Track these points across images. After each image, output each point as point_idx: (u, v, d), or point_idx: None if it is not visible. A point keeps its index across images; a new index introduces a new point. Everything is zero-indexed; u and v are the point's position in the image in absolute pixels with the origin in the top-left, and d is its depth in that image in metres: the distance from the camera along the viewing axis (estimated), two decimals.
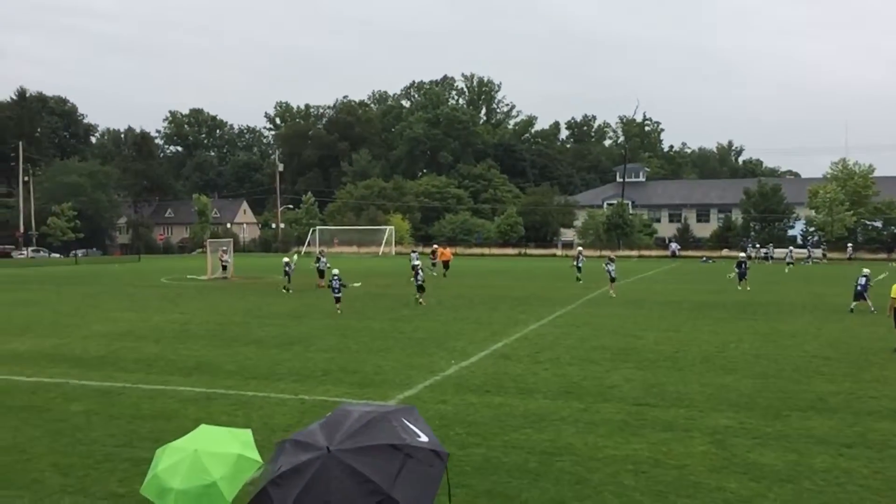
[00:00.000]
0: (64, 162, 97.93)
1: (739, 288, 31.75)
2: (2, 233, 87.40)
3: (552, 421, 10.77)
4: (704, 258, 61.04)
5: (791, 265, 51.11)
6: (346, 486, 4.42)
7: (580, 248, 37.71)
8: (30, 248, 77.55)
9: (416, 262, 27.21)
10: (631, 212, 77.71)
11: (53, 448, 9.71)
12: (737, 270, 33.04)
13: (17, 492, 8.18)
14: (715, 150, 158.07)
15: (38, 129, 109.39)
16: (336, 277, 23.99)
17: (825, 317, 22.88)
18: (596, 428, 10.38)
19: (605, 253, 33.37)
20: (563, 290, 31.47)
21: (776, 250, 59.12)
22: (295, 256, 35.09)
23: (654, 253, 70.28)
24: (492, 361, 15.24)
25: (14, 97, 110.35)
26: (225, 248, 39.04)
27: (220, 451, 5.18)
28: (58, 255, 76.59)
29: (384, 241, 66.13)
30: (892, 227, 69.05)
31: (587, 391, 12.55)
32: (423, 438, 5.04)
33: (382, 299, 28.55)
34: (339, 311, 23.30)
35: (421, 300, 25.58)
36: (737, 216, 79.73)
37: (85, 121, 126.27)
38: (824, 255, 60.93)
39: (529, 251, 74.06)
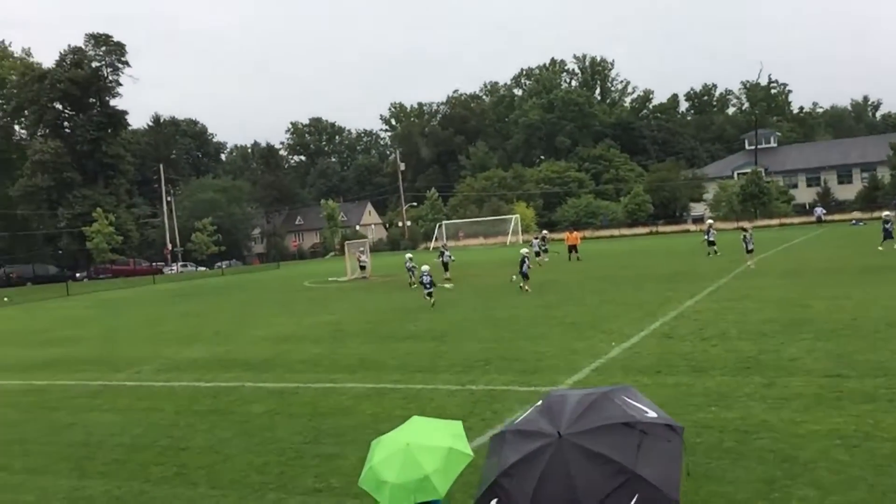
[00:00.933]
0: (200, 180, 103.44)
1: (881, 248, 30.48)
2: (151, 251, 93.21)
3: (737, 398, 10.26)
4: (855, 221, 57.26)
5: None
6: (587, 469, 4.27)
7: (710, 222, 36.09)
8: (178, 264, 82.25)
9: (524, 251, 27.09)
10: (766, 179, 73.97)
11: (246, 448, 10.09)
12: (884, 227, 31.99)
13: (223, 490, 8.53)
14: (849, 106, 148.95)
15: (174, 152, 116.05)
16: (426, 274, 24.71)
17: None
18: (788, 403, 9.81)
19: (742, 224, 31.91)
20: (708, 266, 30.25)
21: None
22: (409, 254, 35.37)
23: (796, 220, 66.59)
24: (654, 341, 14.76)
25: (151, 123, 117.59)
26: (362, 248, 40.05)
27: (431, 444, 5.15)
28: (203, 268, 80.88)
29: (510, 231, 65.95)
30: None
31: (767, 366, 11.91)
32: (652, 414, 4.85)
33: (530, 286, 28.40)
34: (432, 304, 23.84)
35: (526, 287, 25.64)
36: (883, 174, 74.54)
37: (215, 140, 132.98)
38: None
39: (660, 229, 71.87)
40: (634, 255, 42.38)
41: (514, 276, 26.47)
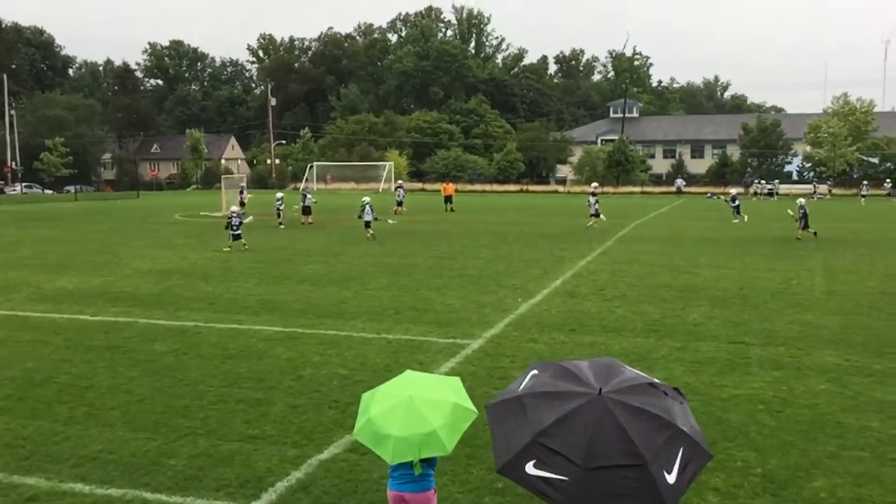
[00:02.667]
0: (47, 95, 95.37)
1: (736, 221, 33.72)
2: None
3: (656, 360, 10.67)
4: (710, 194, 60.96)
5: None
6: (636, 423, 4.30)
7: (595, 185, 37.63)
8: (21, 185, 75.96)
9: (366, 199, 27.84)
10: (630, 148, 77.28)
11: (160, 389, 9.50)
12: (731, 205, 35.82)
13: (147, 434, 7.97)
14: (702, 85, 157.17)
15: (15, 62, 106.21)
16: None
17: (871, 252, 22.88)
18: (704, 367, 10.29)
19: (593, 188, 33.95)
20: (594, 228, 31.41)
21: (781, 186, 59.39)
22: (280, 193, 34.95)
23: (656, 189, 70.15)
24: (560, 300, 15.10)
25: None
26: (243, 184, 38.60)
27: (435, 398, 4.99)
28: (50, 192, 75.15)
29: (384, 178, 65.42)
30: (888, 164, 69.30)
31: (674, 329, 12.46)
32: (656, 380, 4.96)
33: (411, 235, 28.41)
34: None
35: (370, 233, 26.40)
36: (732, 152, 79.65)
37: (62, 52, 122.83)
38: (829, 192, 61.15)
39: (530, 188, 73.54)
40: (514, 212, 43.20)
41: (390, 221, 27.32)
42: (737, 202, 35.61)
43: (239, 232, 23.47)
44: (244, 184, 39.12)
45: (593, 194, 31.88)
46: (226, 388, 9.54)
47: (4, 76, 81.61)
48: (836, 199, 60.14)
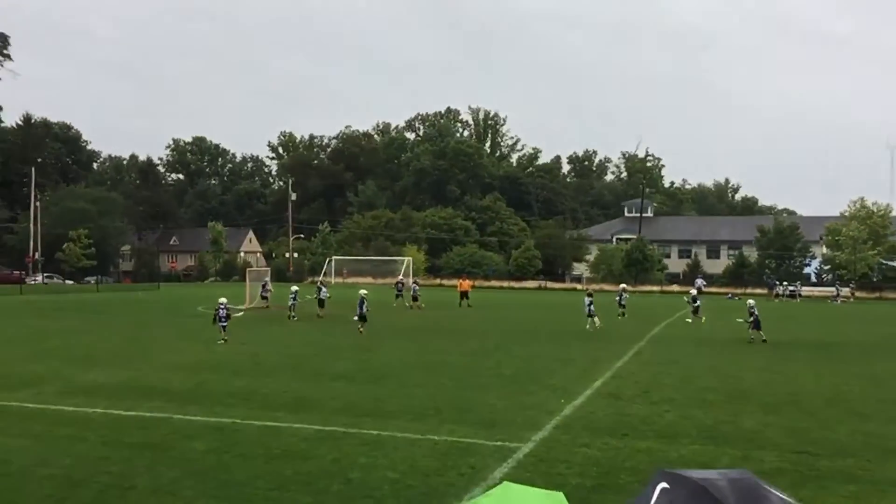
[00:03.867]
0: (71, 188, 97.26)
1: (689, 321, 33.42)
2: (6, 259, 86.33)
3: (720, 469, 10.16)
4: (730, 295, 60.70)
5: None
6: None
7: (624, 286, 37.71)
8: (42, 275, 76.45)
9: (363, 292, 28.71)
10: (648, 247, 77.58)
11: (205, 492, 9.04)
12: (691, 305, 34.75)
13: None
14: (712, 186, 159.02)
15: (43, 156, 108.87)
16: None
17: None
18: (774, 479, 9.64)
19: (623, 286, 34.42)
20: (620, 326, 31.02)
21: (803, 288, 59.23)
22: (294, 287, 35.21)
23: (675, 288, 69.85)
24: (604, 402, 14.64)
25: (20, 122, 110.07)
26: (267, 278, 38.82)
27: None
28: (71, 282, 75.55)
29: (402, 272, 65.44)
30: None
31: (731, 436, 11.96)
32: None
33: (439, 332, 28.18)
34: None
35: (361, 329, 26.60)
36: (749, 253, 79.66)
37: (88, 147, 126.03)
38: (853, 294, 60.74)
39: (549, 285, 73.39)
40: (538, 309, 42.99)
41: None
42: (697, 302, 34.78)
43: (225, 324, 23.64)
44: (268, 277, 39.33)
45: (590, 294, 31.39)
46: (273, 492, 9.09)
47: (32, 170, 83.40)
48: (860, 301, 59.66)
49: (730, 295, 60.48)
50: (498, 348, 22.91)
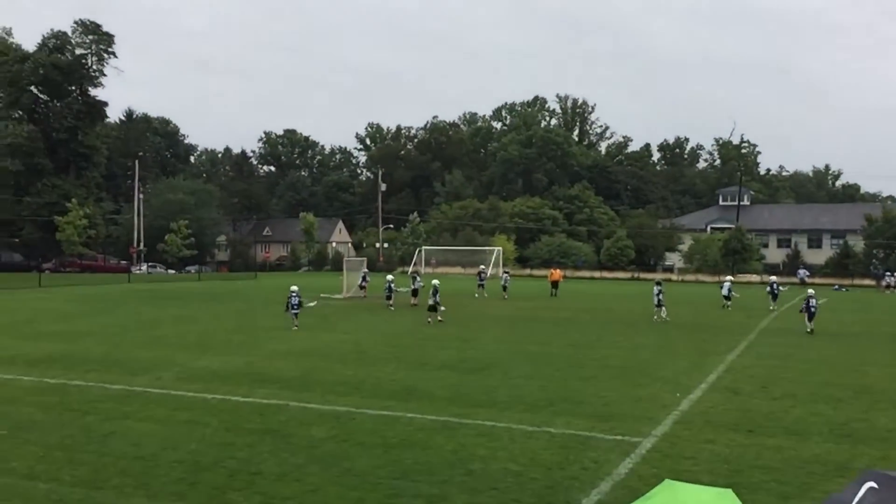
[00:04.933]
0: (170, 180, 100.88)
1: (772, 308, 33.50)
2: (113, 249, 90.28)
3: (859, 470, 9.59)
4: (837, 286, 58.07)
5: None
6: None
7: (730, 278, 37.11)
8: (146, 264, 79.69)
9: (390, 277, 29.97)
10: (747, 237, 74.99)
11: (329, 479, 9.11)
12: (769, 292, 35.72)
13: None
14: (811, 173, 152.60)
15: (144, 149, 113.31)
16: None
17: None
18: None
19: (727, 277, 33.98)
20: (724, 318, 30.17)
21: None
22: (390, 276, 35.25)
23: (780, 279, 67.12)
24: (722, 396, 14.12)
25: (123, 118, 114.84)
26: (366, 269, 39.43)
27: None
28: (172, 272, 78.47)
29: (492, 262, 65.33)
30: None
31: (866, 435, 11.33)
32: None
33: (537, 322, 27.99)
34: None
35: (429, 319, 26.28)
36: (854, 242, 76.03)
37: (186, 141, 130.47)
38: None
39: (642, 275, 71.81)
40: (635, 300, 42.05)
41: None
42: (730, 291, 35.20)
43: (298, 311, 24.01)
44: (366, 269, 39.83)
45: (658, 283, 30.52)
46: (397, 481, 9.07)
47: (136, 163, 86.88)
48: None
49: (836, 286, 57.83)
50: (600, 340, 22.49)
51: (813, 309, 25.19)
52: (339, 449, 10.45)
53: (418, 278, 35.54)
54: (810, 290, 27.14)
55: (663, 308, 28.46)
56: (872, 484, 4.07)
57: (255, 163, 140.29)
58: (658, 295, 28.79)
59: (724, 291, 34.97)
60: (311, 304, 27.27)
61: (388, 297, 32.72)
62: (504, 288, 40.46)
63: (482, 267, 49.38)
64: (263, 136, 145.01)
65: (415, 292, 34.12)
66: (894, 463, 9.95)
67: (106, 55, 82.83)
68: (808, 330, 24.80)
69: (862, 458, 10.12)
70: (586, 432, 11.44)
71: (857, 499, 4.08)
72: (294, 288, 24.95)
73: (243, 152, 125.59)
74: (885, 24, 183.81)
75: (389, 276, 34.82)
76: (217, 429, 11.51)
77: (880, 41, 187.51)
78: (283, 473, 9.34)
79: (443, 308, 26.83)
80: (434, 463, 9.82)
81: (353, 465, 9.69)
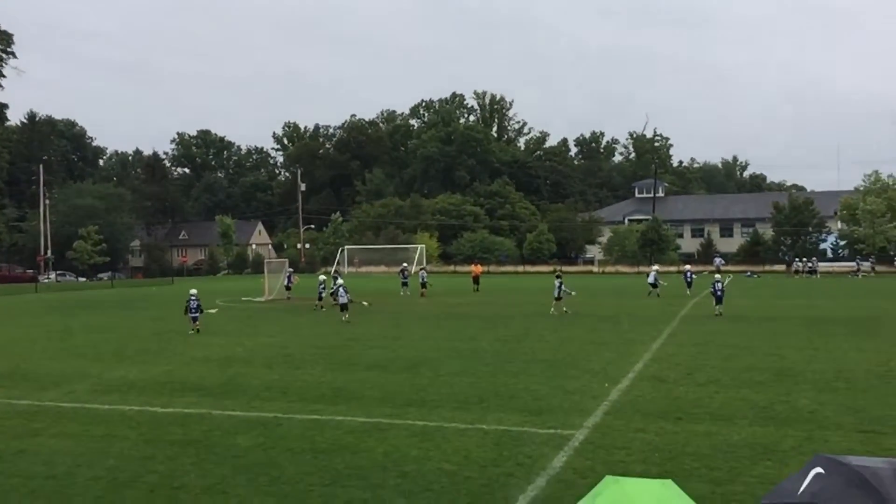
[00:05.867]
0: (78, 185, 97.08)
1: (688, 293, 35.29)
2: (17, 257, 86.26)
3: (787, 452, 9.78)
4: (749, 273, 60.19)
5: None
6: None
7: (656, 267, 38.57)
8: (55, 273, 76.35)
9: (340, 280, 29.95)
10: (663, 227, 77.07)
11: (258, 489, 8.73)
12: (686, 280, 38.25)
13: None
14: (720, 164, 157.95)
15: (49, 153, 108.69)
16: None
17: None
18: None
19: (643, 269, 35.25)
20: (646, 307, 30.72)
21: (820, 264, 59.15)
22: (322, 276, 34.64)
23: (694, 268, 69.23)
24: (650, 385, 14.27)
25: (24, 121, 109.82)
26: (291, 269, 38.63)
27: None
28: (83, 279, 75.41)
29: (415, 260, 65.05)
30: None
31: (789, 417, 11.59)
32: None
33: (465, 318, 27.92)
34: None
35: (345, 317, 26.80)
36: (764, 230, 79.02)
37: (93, 144, 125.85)
38: (873, 269, 60.23)
39: (564, 269, 72.72)
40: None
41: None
42: (657, 279, 36.68)
43: (197, 315, 24.01)
44: (291, 269, 39.08)
45: (558, 276, 30.78)
46: (328, 488, 8.76)
47: (40, 167, 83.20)
48: (881, 276, 59.15)
49: (749, 273, 59.94)
50: (528, 333, 22.55)
51: (719, 293, 26.71)
52: (266, 457, 10.06)
53: (339, 279, 35.15)
54: (717, 276, 29.10)
55: (563, 300, 28.39)
56: (819, 470, 4.02)
57: (168, 165, 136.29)
58: (559, 287, 28.53)
59: (651, 280, 36.12)
60: (213, 312, 26.93)
61: (319, 298, 32.06)
62: (423, 285, 40.31)
63: (405, 265, 49.20)
64: (176, 137, 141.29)
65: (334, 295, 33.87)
66: (818, 442, 10.16)
67: (4, 55, 79.04)
68: (717, 313, 26.29)
69: (787, 440, 10.32)
70: (519, 427, 11.35)
71: (803, 486, 4.01)
72: (193, 292, 24.87)
73: (155, 154, 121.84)
74: (789, 17, 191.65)
75: (321, 277, 34.14)
76: (136, 442, 10.95)
77: (784, 33, 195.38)
78: (207, 486, 8.91)
79: (365, 303, 26.65)
80: (366, 467, 9.54)
81: (282, 473, 9.32)
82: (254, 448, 10.49)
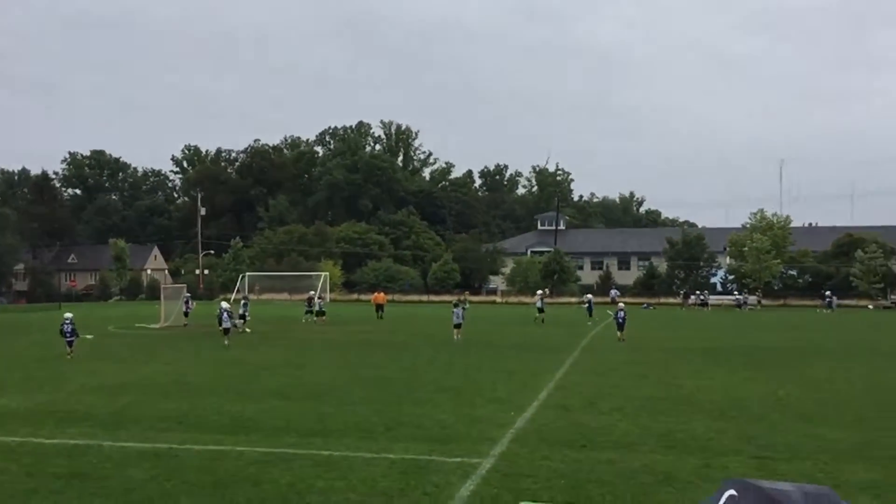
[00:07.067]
0: None
1: (589, 323, 36.04)
2: None
3: (685, 479, 10.00)
4: (646, 305, 62.16)
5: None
6: None
7: (540, 292, 39.46)
8: None
9: (224, 305, 29.97)
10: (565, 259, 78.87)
11: None
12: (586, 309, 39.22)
13: None
14: (618, 199, 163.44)
15: None
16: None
17: (833, 360, 23.21)
18: None
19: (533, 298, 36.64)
20: (549, 337, 31.21)
21: (711, 297, 61.94)
22: (224, 304, 33.29)
23: (590, 296, 71.19)
24: (554, 413, 14.42)
25: None
26: (188, 295, 37.25)
27: None
28: None
29: (319, 288, 64.07)
30: (807, 276, 72.70)
31: (688, 444, 11.89)
32: None
33: (370, 346, 27.62)
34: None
35: (226, 342, 27.59)
36: (658, 264, 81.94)
37: None
38: (759, 302, 63.25)
39: (469, 298, 73.42)
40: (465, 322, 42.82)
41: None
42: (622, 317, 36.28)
43: (72, 339, 23.89)
44: (189, 294, 37.74)
45: (457, 304, 31.86)
46: None
47: None
48: (767, 308, 62.19)
49: (645, 305, 61.93)
50: (433, 362, 22.48)
51: (621, 320, 29.29)
52: (160, 490, 9.57)
53: (247, 304, 34.71)
54: (620, 304, 31.16)
55: (459, 329, 29.33)
56: (732, 492, 4.09)
57: (58, 185, 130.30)
58: (458, 316, 29.46)
59: (539, 304, 37.87)
60: (89, 337, 26.29)
61: (223, 324, 30.35)
62: (321, 313, 40.70)
63: (311, 293, 48.62)
64: (68, 156, 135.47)
65: (242, 318, 33.65)
66: (717, 469, 10.44)
67: None
68: (620, 339, 28.30)
69: (687, 466, 10.57)
70: (426, 456, 11.22)
71: None
72: (68, 315, 24.83)
73: (44, 174, 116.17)
74: (685, 59, 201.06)
75: (224, 304, 32.58)
76: (17, 475, 10.24)
77: (680, 78, 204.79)
78: None
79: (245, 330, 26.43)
80: (269, 499, 9.22)
81: None
82: (148, 481, 9.97)
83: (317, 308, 40.86)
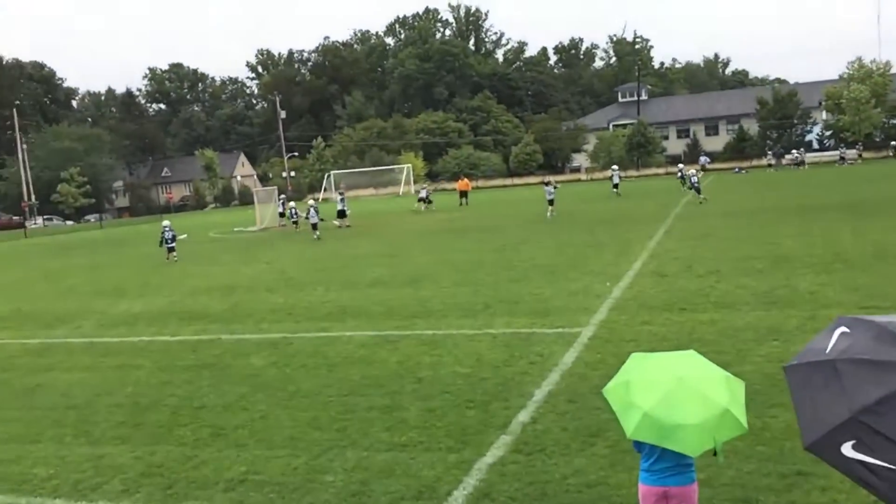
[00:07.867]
0: (55, 128, 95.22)
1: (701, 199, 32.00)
2: (2, 205, 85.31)
3: (792, 332, 9.96)
4: (737, 169, 60.33)
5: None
6: None
7: (615, 167, 40.07)
8: (42, 218, 75.72)
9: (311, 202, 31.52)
10: (649, 131, 76.69)
11: (278, 404, 8.89)
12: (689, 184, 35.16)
13: (287, 451, 7.36)
14: (702, 63, 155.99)
15: (20, 97, 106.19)
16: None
17: None
18: None
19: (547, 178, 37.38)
20: (641, 209, 30.97)
21: (808, 154, 59.57)
22: (311, 201, 34.19)
23: (682, 166, 69.49)
24: (651, 280, 14.43)
25: None
26: (283, 196, 38.64)
27: (704, 374, 4.27)
28: (71, 222, 74.89)
29: (403, 181, 64.78)
30: None
31: (792, 300, 11.75)
32: None
33: (461, 232, 28.05)
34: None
35: (316, 235, 29.26)
36: (749, 126, 78.69)
37: (64, 85, 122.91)
38: (860, 156, 60.47)
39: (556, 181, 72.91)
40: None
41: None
42: (696, 181, 33.90)
43: (173, 245, 25.29)
44: (284, 196, 39.04)
45: (547, 183, 32.83)
46: (347, 397, 8.91)
47: (14, 112, 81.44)
48: (867, 162, 59.42)
49: (737, 169, 60.07)
50: (524, 241, 22.66)
51: (695, 182, 31.63)
52: (281, 374, 10.21)
53: (344, 199, 35.37)
54: (691, 170, 33.75)
55: (553, 206, 30.65)
56: (844, 329, 4.10)
57: (143, 102, 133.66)
58: (550, 193, 30.86)
59: (615, 180, 37.84)
60: (183, 237, 27.73)
61: (313, 222, 31.51)
62: (428, 200, 42.84)
63: (424, 185, 50.22)
64: (148, 72, 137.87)
65: (341, 213, 34.20)
66: (823, 322, 10.25)
67: None
68: (699, 201, 29.86)
69: (791, 321, 10.51)
70: (527, 329, 11.51)
71: (830, 344, 4.10)
72: (165, 223, 26.13)
73: (129, 92, 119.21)
74: None
75: (311, 202, 33.58)
76: (151, 370, 11.07)
77: None
78: (228, 404, 9.07)
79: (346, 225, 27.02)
80: (381, 376, 9.69)
81: (299, 387, 9.47)
82: (268, 367, 10.64)
83: (422, 196, 42.78)
